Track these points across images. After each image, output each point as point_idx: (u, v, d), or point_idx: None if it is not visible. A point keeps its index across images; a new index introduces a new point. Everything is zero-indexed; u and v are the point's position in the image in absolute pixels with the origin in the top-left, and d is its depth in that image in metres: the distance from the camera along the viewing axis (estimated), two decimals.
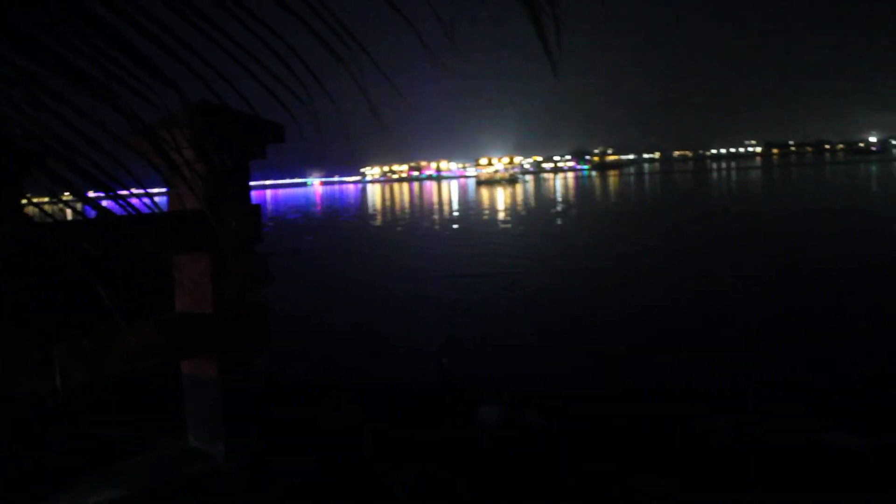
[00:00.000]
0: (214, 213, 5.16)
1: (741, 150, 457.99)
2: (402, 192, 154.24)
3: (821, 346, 12.70)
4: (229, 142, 5.44)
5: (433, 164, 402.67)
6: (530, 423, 6.94)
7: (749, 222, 38.68)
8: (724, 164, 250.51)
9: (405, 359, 13.09)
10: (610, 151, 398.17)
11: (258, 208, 5.88)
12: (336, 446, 6.39)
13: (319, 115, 1.71)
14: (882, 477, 5.52)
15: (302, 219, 70.05)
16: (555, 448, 6.28)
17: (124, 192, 1.83)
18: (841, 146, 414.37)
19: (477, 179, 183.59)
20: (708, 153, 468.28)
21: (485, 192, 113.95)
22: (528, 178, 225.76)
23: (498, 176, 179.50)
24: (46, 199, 1.90)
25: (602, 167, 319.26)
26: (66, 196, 1.84)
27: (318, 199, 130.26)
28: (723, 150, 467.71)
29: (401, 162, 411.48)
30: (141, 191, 1.85)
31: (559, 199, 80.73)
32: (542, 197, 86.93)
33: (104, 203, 1.83)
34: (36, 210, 1.94)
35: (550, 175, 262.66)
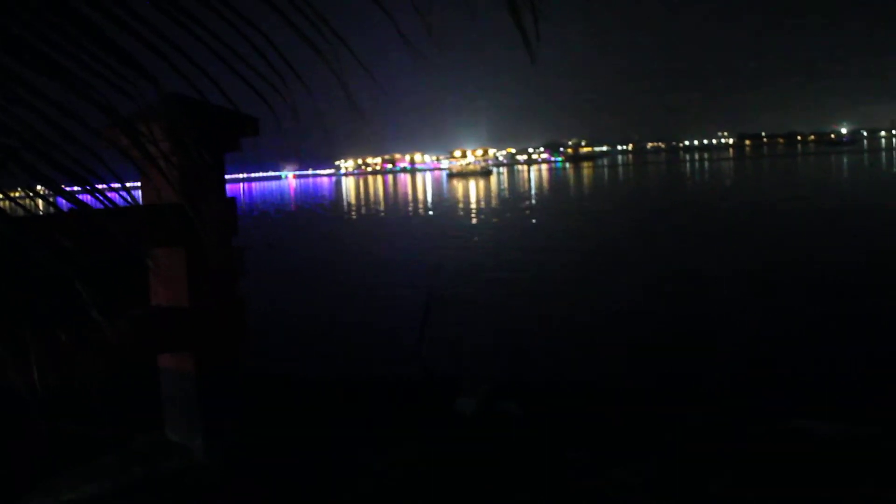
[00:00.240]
0: (192, 206, 5.14)
1: (714, 141, 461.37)
2: (377, 185, 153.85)
3: (795, 334, 12.86)
4: (206, 134, 5.41)
5: (407, 157, 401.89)
6: (508, 412, 6.96)
7: (728, 213, 39.02)
8: (696, 156, 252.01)
9: (382, 350, 13.09)
10: (584, 143, 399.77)
11: (233, 201, 5.85)
12: (314, 439, 6.38)
13: (296, 109, 1.70)
14: (859, 465, 5.59)
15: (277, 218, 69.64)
16: (532, 437, 6.31)
17: (100, 186, 1.81)
18: (812, 137, 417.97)
19: (449, 172, 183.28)
20: (681, 144, 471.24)
21: (456, 184, 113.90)
22: (503, 170, 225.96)
23: (470, 168, 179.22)
24: (20, 193, 1.88)
25: (576, 159, 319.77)
26: (41, 189, 1.82)
27: (292, 195, 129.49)
28: (696, 142, 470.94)
29: (375, 154, 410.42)
30: (117, 184, 1.84)
31: (527, 192, 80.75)
32: (511, 189, 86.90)
33: (80, 197, 1.82)
34: (9, 204, 1.93)
35: (524, 167, 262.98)
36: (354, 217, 58.57)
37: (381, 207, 68.06)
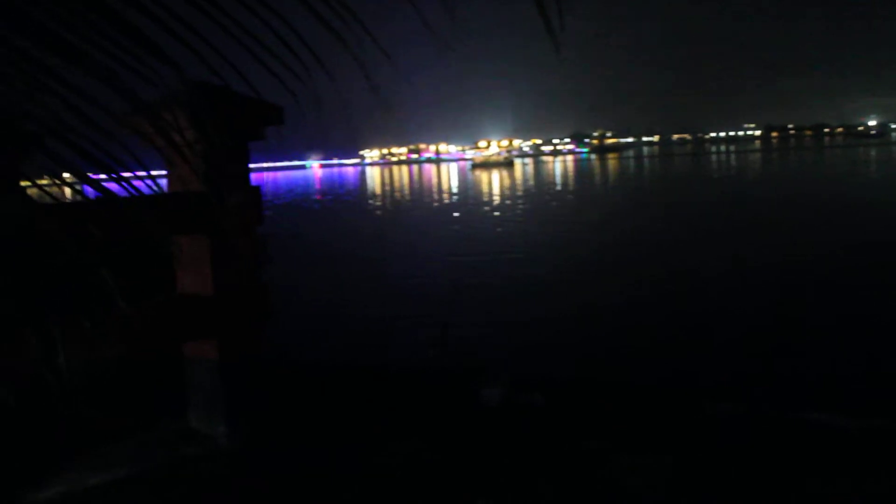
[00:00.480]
0: (215, 194, 5.16)
1: (740, 133, 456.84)
2: (401, 175, 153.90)
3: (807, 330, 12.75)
4: (230, 123, 5.43)
5: (432, 147, 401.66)
6: (532, 403, 6.96)
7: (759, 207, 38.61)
8: (723, 148, 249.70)
9: (403, 339, 13.11)
10: (609, 135, 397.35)
11: (258, 190, 5.87)
12: (337, 426, 6.41)
13: (320, 97, 1.70)
14: (873, 458, 5.55)
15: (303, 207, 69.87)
16: (553, 428, 6.31)
17: (125, 173, 1.82)
18: (840, 129, 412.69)
19: (472, 162, 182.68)
20: (707, 136, 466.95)
21: (480, 175, 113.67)
22: (528, 161, 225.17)
23: (493, 159, 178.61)
24: (46, 181, 1.89)
25: (601, 150, 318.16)
26: (67, 177, 1.83)
27: (317, 184, 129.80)
28: (721, 134, 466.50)
29: (400, 144, 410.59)
30: (142, 172, 1.85)
31: (550, 183, 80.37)
32: (532, 181, 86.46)
33: (104, 184, 1.83)
34: (36, 191, 1.93)
35: (549, 158, 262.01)
36: (377, 206, 58.59)
37: (399, 197, 67.96)
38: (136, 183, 1.87)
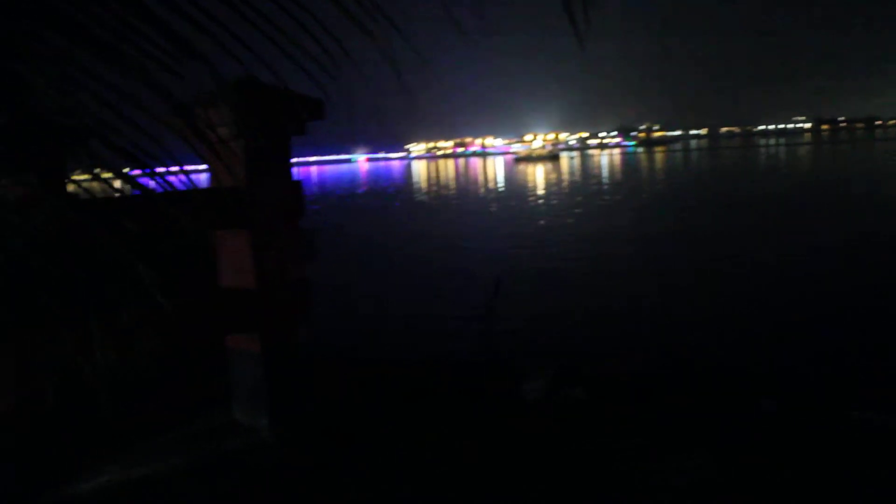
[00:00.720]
0: (253, 189, 5.20)
1: (790, 126, 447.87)
2: (447, 168, 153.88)
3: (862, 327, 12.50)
4: (267, 119, 5.46)
5: (478, 141, 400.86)
6: (574, 398, 6.93)
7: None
8: (772, 141, 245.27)
9: (446, 333, 13.10)
10: (656, 128, 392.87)
11: (299, 184, 5.90)
12: (378, 419, 6.43)
13: (359, 93, 1.70)
14: None
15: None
16: (595, 423, 6.27)
17: (162, 170, 1.83)
18: (893, 122, 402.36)
19: (516, 156, 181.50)
20: (756, 129, 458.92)
21: (523, 168, 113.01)
22: (574, 154, 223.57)
23: (537, 152, 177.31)
24: (86, 177, 1.91)
25: (648, 143, 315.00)
26: (106, 174, 1.85)
27: (362, 177, 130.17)
28: (771, 127, 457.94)
29: (446, 138, 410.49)
30: (178, 168, 1.86)
31: (593, 179, 79.62)
32: (575, 176, 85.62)
33: (142, 181, 1.85)
34: (77, 188, 1.96)
35: (596, 151, 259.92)
36: (423, 199, 58.61)
37: (441, 190, 67.89)
38: (174, 179, 1.89)
